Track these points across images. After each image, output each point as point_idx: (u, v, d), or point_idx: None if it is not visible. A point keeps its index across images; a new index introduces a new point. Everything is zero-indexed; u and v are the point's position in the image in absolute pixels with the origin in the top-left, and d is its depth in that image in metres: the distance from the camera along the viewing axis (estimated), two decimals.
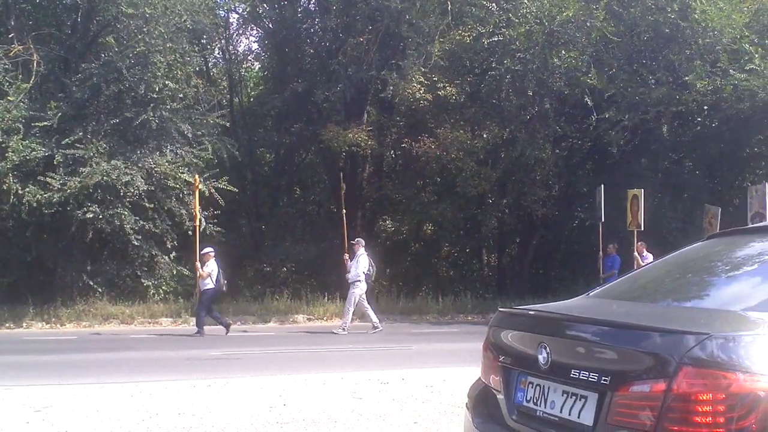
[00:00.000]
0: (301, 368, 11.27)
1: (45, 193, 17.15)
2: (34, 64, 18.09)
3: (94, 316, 18.07)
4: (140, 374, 10.84)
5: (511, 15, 21.02)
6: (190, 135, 19.15)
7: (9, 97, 17.52)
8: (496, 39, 20.86)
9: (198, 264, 16.25)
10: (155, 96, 18.30)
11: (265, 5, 24.07)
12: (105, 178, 17.13)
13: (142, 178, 17.88)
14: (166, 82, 18.34)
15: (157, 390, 9.26)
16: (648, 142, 21.75)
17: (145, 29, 17.65)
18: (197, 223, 16.95)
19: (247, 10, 24.66)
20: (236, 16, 25.58)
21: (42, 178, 17.31)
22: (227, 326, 16.13)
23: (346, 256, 17.21)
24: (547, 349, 3.29)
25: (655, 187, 21.39)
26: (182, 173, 18.49)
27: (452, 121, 23.33)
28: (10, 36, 18.43)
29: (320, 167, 27.20)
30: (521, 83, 21.24)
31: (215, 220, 19.48)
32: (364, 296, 16.74)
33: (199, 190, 17.07)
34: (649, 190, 19.27)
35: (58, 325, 17.61)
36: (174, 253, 19.60)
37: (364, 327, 17.59)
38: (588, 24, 20.39)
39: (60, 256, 19.25)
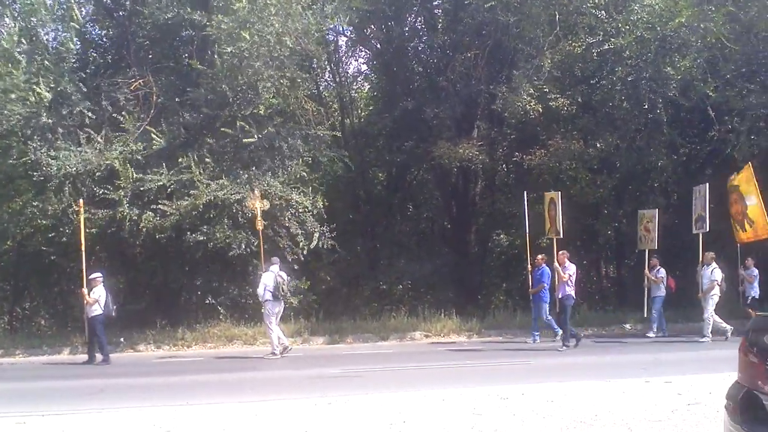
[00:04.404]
0: (420, 385, 11.28)
1: (159, 219, 17.72)
2: (154, 97, 18.82)
3: (218, 338, 18.52)
4: (263, 394, 11.09)
5: (620, 24, 20.62)
6: (300, 149, 19.43)
7: (127, 129, 18.23)
8: (606, 47, 20.51)
9: (84, 290, 16.07)
10: (263, 115, 18.72)
11: (372, 26, 24.33)
12: (212, 196, 17.51)
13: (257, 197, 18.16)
14: (271, 100, 18.66)
15: (280, 408, 9.47)
16: None
17: (246, 59, 17.98)
18: (81, 246, 16.56)
19: (353, 31, 24.96)
20: (344, 38, 25.98)
21: (155, 206, 17.88)
22: (107, 357, 15.87)
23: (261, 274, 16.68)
24: None
25: None
26: (296, 194, 18.76)
27: (563, 131, 22.95)
28: (132, 70, 19.19)
29: (432, 184, 27.25)
30: (634, 91, 20.76)
31: (333, 234, 19.62)
32: (271, 318, 16.07)
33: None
34: None
35: (185, 348, 18.16)
36: (296, 267, 19.74)
37: (445, 345, 17.83)
38: (702, 27, 19.76)
39: (185, 278, 19.86)
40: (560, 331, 16.90)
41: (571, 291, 16.62)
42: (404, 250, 26.87)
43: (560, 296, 16.69)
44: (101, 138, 17.93)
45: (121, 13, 19.98)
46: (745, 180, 18.31)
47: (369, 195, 26.63)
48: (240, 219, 18.21)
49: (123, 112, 18.22)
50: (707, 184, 18.47)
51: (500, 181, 26.97)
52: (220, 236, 17.89)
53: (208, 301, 19.45)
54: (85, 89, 18.45)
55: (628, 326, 19.44)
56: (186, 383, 12.83)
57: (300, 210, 18.91)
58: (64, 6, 19.08)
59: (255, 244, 18.02)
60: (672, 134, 21.38)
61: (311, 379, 12.78)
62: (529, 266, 18.10)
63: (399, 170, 26.82)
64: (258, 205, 17.41)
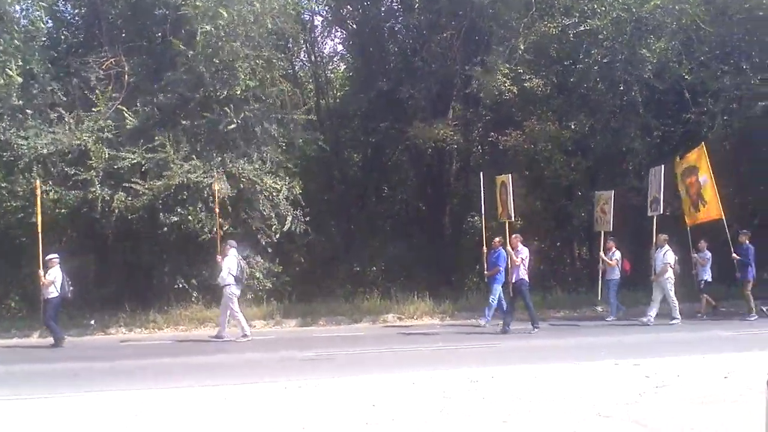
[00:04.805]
0: (391, 368, 11.29)
1: (132, 200, 17.53)
2: (125, 76, 18.56)
3: (190, 320, 18.36)
4: (233, 377, 11.05)
5: (596, 5, 20.60)
6: (275, 134, 19.27)
7: (99, 107, 18.00)
8: (582, 29, 20.49)
9: (41, 272, 15.66)
10: (239, 97, 18.49)
11: (348, 6, 24.22)
12: (185, 178, 17.38)
13: (226, 180, 18.05)
14: (248, 83, 18.46)
15: (250, 392, 9.44)
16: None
17: (224, 38, 17.79)
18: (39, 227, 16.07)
19: (329, 11, 24.79)
20: (320, 18, 25.76)
21: (128, 184, 17.67)
22: (59, 340, 15.61)
23: (219, 257, 16.47)
24: None
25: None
26: (269, 179, 18.62)
27: (539, 112, 22.95)
28: (103, 49, 18.89)
29: (407, 165, 27.16)
30: (609, 73, 20.79)
31: (307, 218, 19.55)
32: (234, 301, 16.06)
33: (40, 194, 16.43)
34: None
35: (156, 330, 18.03)
36: (270, 249, 19.60)
37: (418, 327, 17.83)
38: (677, 9, 19.82)
39: (156, 260, 19.64)
40: (488, 320, 17.09)
41: (524, 275, 16.55)
42: (379, 232, 26.77)
43: (514, 280, 16.58)
44: (72, 118, 17.68)
45: None
46: (696, 159, 18.35)
47: (344, 176, 26.47)
48: (210, 203, 18.00)
49: (96, 91, 17.97)
50: (662, 167, 18.46)
51: (475, 162, 26.82)
52: (192, 218, 17.73)
53: (178, 285, 19.22)
54: (55, 69, 18.16)
55: (599, 308, 19.49)
56: (156, 366, 12.71)
57: (273, 194, 18.78)
58: None
59: (226, 228, 17.88)
60: (647, 116, 21.42)
61: (282, 362, 12.76)
62: (485, 248, 18.02)
63: (374, 151, 26.68)
64: (216, 187, 17.29)
